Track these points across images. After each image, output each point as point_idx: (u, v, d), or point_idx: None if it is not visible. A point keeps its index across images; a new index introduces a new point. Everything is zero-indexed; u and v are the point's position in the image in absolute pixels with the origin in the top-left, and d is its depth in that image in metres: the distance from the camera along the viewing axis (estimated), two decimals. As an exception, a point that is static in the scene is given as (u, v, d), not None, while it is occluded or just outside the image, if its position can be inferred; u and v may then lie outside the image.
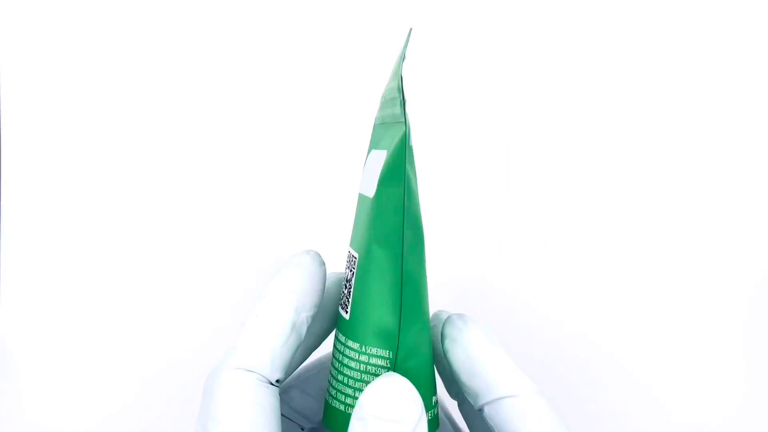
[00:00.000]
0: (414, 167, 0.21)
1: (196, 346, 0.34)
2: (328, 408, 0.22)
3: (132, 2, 0.35)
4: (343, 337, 0.21)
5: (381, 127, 0.22)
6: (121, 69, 0.35)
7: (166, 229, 0.35)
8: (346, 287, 0.22)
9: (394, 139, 0.20)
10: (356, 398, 0.21)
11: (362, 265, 0.21)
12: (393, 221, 0.20)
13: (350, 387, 0.21)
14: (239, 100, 0.35)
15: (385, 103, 0.22)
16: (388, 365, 0.21)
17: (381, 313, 0.20)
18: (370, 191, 0.21)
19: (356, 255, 0.21)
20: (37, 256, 0.35)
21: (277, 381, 0.21)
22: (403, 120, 0.20)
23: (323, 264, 0.22)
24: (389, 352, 0.21)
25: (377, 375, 0.21)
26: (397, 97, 0.21)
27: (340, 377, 0.21)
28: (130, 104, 0.35)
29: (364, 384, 0.21)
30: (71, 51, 0.35)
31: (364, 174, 0.22)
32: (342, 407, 0.21)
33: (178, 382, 0.34)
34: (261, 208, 0.35)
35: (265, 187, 0.35)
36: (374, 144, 0.22)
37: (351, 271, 0.21)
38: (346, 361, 0.21)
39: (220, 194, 0.35)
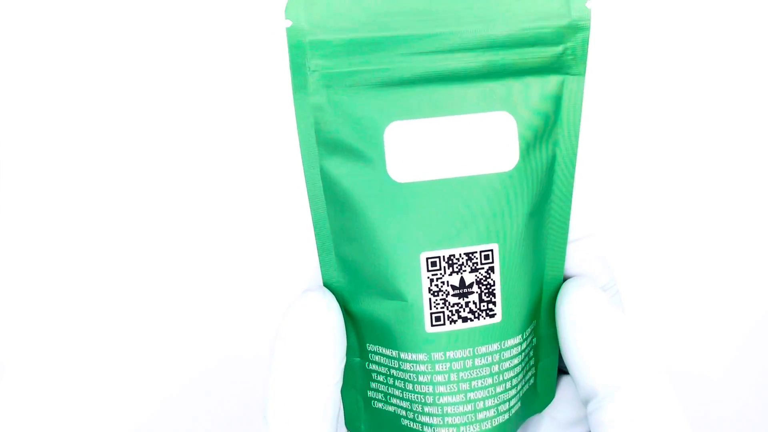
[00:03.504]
0: None
1: (193, 348, 0.34)
2: None
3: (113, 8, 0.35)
4: (496, 345, 0.18)
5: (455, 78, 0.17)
6: (114, 69, 0.35)
7: (160, 236, 0.34)
8: (471, 293, 0.17)
9: (537, 92, 0.17)
10: (526, 388, 0.19)
11: (509, 251, 0.17)
12: (544, 185, 0.17)
13: (514, 387, 0.18)
14: (236, 104, 0.35)
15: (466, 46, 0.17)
16: (535, 336, 0.18)
17: (533, 290, 0.18)
18: (499, 166, 0.17)
19: (491, 247, 0.17)
20: (31, 263, 0.34)
21: None
22: (564, 68, 0.17)
23: (335, 305, 0.17)
24: (535, 322, 0.18)
25: (532, 354, 0.18)
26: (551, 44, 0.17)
27: (501, 386, 0.18)
28: (124, 105, 0.35)
29: (528, 372, 0.18)
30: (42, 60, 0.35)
31: (442, 153, 0.17)
32: (508, 412, 0.18)
33: (175, 385, 0.34)
34: (266, 209, 0.35)
35: (268, 188, 0.35)
36: (447, 109, 0.17)
37: (476, 271, 0.17)
38: (506, 365, 0.18)
39: (215, 192, 0.35)
